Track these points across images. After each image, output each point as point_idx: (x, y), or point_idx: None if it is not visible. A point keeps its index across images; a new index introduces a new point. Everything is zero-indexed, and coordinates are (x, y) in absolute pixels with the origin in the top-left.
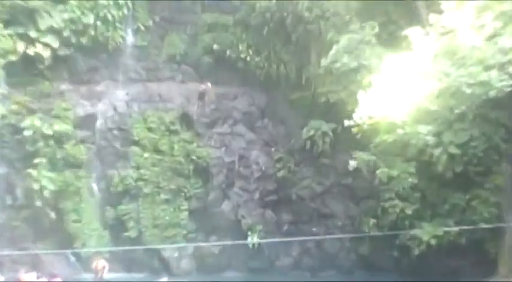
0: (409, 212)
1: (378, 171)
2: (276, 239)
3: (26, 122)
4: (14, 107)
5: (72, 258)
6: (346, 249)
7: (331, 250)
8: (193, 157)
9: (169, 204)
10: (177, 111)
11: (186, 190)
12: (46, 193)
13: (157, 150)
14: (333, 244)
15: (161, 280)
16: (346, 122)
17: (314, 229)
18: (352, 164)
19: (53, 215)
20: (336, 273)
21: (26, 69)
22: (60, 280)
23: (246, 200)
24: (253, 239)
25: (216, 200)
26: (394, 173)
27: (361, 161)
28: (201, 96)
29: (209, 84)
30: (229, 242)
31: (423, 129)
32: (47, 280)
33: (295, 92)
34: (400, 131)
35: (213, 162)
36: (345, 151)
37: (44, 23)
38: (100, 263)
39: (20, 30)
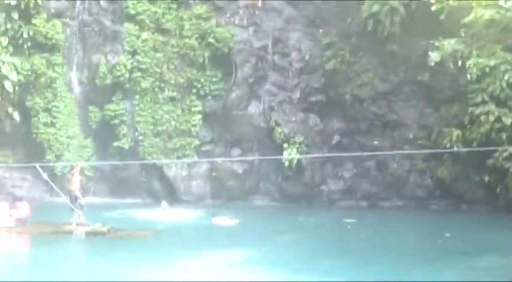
0: (507, 121)
1: (468, 62)
2: (322, 155)
3: None
4: None
5: (43, 175)
6: (419, 171)
7: (398, 172)
8: (211, 40)
9: (176, 104)
10: None
11: (199, 85)
12: (7, 85)
13: (160, 29)
14: (401, 163)
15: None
16: None
17: (375, 143)
18: (433, 55)
19: (16, 116)
20: (403, 204)
21: None
22: (26, 203)
23: (282, 100)
24: (290, 155)
25: (240, 99)
26: (491, 64)
27: (446, 52)
28: None
29: None
30: (257, 158)
31: None
32: (8, 204)
33: None
34: (501, 2)
35: (237, 48)
36: (421, 36)
37: None
38: (76, 180)
39: None
